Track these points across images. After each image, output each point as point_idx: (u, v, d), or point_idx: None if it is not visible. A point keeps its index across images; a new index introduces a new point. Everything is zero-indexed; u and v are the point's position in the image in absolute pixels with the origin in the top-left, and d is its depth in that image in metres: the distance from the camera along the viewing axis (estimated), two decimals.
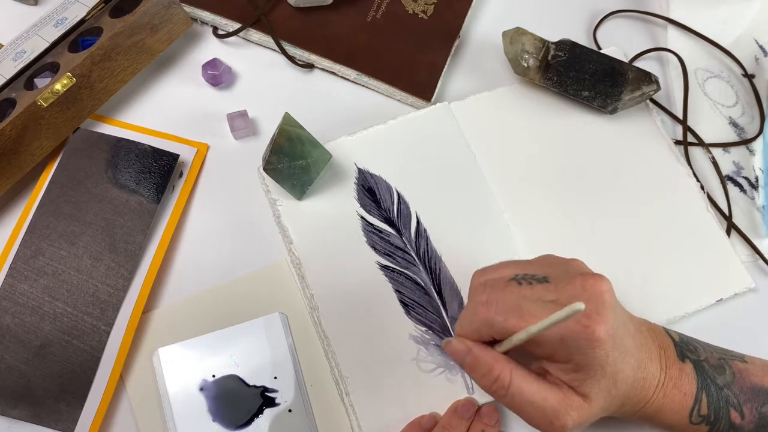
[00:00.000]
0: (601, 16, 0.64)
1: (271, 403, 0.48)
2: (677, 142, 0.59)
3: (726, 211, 0.57)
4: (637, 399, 0.43)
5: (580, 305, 0.36)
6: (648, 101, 0.60)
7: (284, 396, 0.48)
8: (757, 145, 0.60)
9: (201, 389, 0.47)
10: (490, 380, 0.41)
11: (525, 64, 0.57)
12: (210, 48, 0.60)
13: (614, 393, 0.41)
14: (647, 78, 0.56)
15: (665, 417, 0.43)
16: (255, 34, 0.59)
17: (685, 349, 0.45)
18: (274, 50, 0.59)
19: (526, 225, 0.54)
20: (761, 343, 0.52)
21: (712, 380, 0.44)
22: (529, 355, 0.43)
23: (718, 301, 0.53)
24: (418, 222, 0.53)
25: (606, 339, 0.39)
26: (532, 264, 0.44)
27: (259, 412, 0.47)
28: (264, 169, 0.51)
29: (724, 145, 0.60)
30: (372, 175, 0.54)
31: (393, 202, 0.54)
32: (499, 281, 0.43)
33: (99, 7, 0.55)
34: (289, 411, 0.47)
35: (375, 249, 0.52)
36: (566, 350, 0.40)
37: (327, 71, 0.60)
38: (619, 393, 0.41)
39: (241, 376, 0.48)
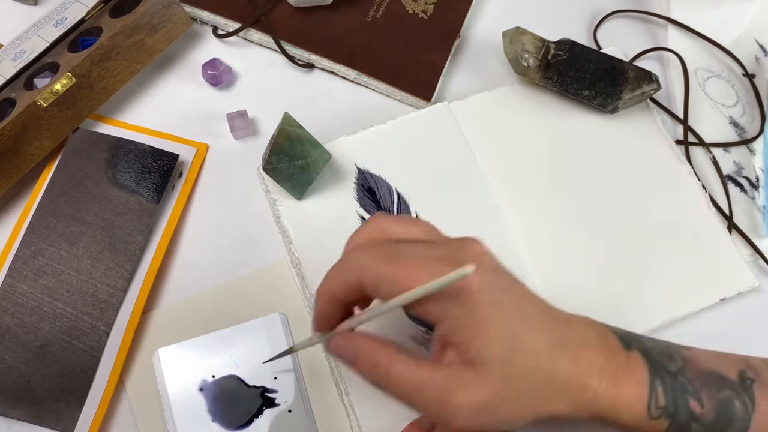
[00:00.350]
0: (601, 16, 0.64)
1: (271, 403, 0.47)
2: (678, 142, 0.59)
3: (726, 211, 0.57)
4: (574, 386, 0.37)
5: (470, 268, 0.33)
6: (648, 101, 0.60)
7: (284, 396, 0.48)
8: (758, 144, 0.60)
9: (201, 389, 0.47)
10: (370, 368, 0.37)
11: (525, 64, 0.57)
12: (210, 48, 0.60)
13: (518, 361, 0.36)
14: (648, 77, 0.56)
15: (621, 413, 0.39)
16: (255, 34, 0.59)
17: (629, 338, 0.41)
18: (274, 50, 0.59)
19: (525, 225, 0.54)
20: (764, 343, 0.52)
21: (664, 367, 0.40)
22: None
23: (721, 300, 0.53)
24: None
25: (480, 292, 0.35)
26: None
27: (259, 412, 0.47)
28: (264, 169, 0.51)
29: (725, 145, 0.60)
30: (372, 175, 0.54)
31: (393, 202, 0.54)
32: (375, 240, 0.39)
33: (99, 7, 0.55)
34: (289, 411, 0.47)
35: None
36: (439, 308, 0.36)
37: (327, 71, 0.59)
38: (526, 362, 0.36)
39: (241, 376, 0.48)
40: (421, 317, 0.37)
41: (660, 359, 0.41)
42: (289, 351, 0.44)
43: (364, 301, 0.40)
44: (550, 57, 0.56)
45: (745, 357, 0.45)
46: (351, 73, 0.58)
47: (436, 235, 0.40)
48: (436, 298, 0.35)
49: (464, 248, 0.37)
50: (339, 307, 0.39)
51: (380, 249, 0.38)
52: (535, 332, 0.37)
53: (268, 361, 0.47)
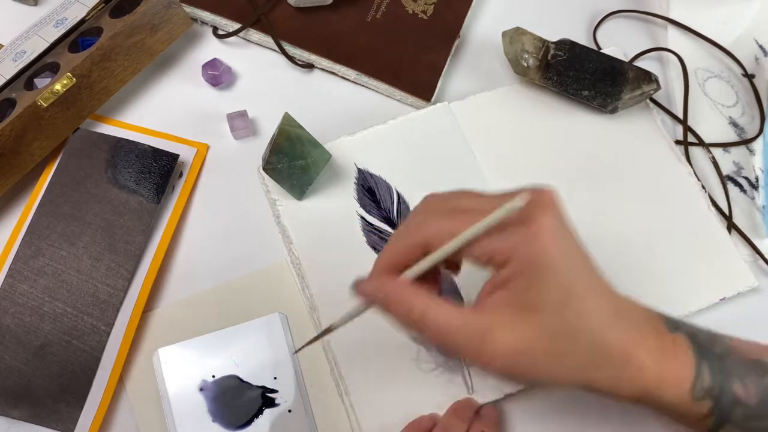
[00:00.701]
0: (601, 16, 0.64)
1: (271, 403, 0.48)
2: (677, 142, 0.59)
3: (726, 211, 0.57)
4: (620, 357, 0.36)
5: (522, 200, 0.33)
6: (648, 101, 0.60)
7: (284, 396, 0.48)
8: (757, 145, 0.60)
9: (201, 389, 0.47)
10: (403, 314, 0.37)
11: (525, 64, 0.57)
12: (210, 48, 0.60)
13: (571, 314, 0.35)
14: (647, 77, 0.56)
15: (664, 392, 0.38)
16: (255, 34, 0.59)
17: (674, 321, 0.41)
18: (274, 50, 0.59)
19: None
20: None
21: (710, 350, 0.39)
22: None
23: (721, 300, 0.53)
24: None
25: (551, 231, 0.34)
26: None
27: (259, 412, 0.47)
28: (264, 169, 0.51)
29: (725, 145, 0.60)
30: (372, 175, 0.54)
31: (393, 202, 0.54)
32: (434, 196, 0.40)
33: (99, 7, 0.55)
34: (289, 411, 0.47)
35: (375, 249, 0.52)
36: (505, 246, 0.35)
37: (327, 71, 0.60)
38: (579, 319, 0.35)
39: (241, 376, 0.48)
40: (483, 260, 0.36)
41: (705, 342, 0.40)
42: (328, 330, 0.42)
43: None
44: (549, 57, 0.56)
45: None
46: (351, 73, 0.58)
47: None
48: (504, 236, 0.35)
49: (531, 195, 0.35)
50: (394, 275, 0.38)
51: (441, 207, 0.38)
52: (594, 294, 0.36)
53: (302, 348, 0.45)
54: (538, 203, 0.35)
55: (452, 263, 0.41)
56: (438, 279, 0.41)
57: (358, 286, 0.39)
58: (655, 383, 0.37)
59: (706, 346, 0.40)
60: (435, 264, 0.37)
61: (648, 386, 0.37)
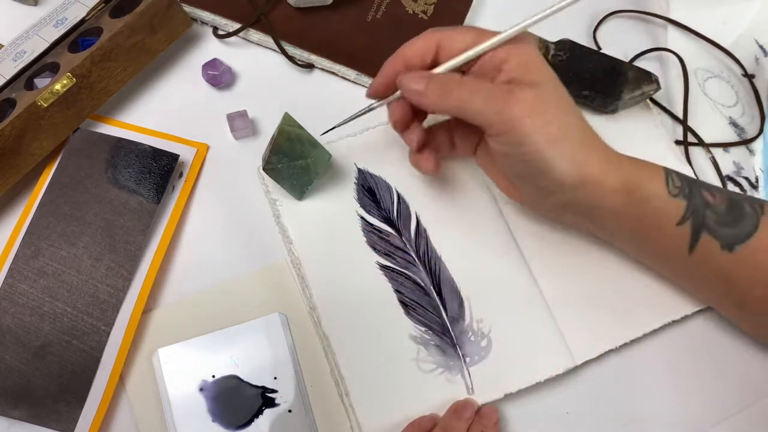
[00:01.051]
0: (601, 16, 0.64)
1: (271, 403, 0.48)
2: (677, 142, 0.59)
3: None
4: (601, 147, 0.45)
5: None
6: (648, 101, 0.60)
7: (284, 396, 0.48)
8: (757, 145, 0.60)
9: (201, 389, 0.47)
10: (442, 82, 0.44)
11: None
12: (210, 48, 0.60)
13: (563, 95, 0.44)
14: (647, 77, 0.56)
15: (645, 181, 0.45)
16: (255, 34, 0.59)
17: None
18: (274, 50, 0.59)
19: (525, 224, 0.54)
20: (763, 344, 0.52)
21: (675, 171, 0.47)
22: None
23: None
24: (417, 222, 0.53)
25: (536, 52, 0.44)
26: None
27: (259, 412, 0.47)
28: (264, 169, 0.51)
29: (725, 145, 0.60)
30: (372, 175, 0.54)
31: (393, 202, 0.54)
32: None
33: (99, 7, 0.55)
34: (289, 411, 0.47)
35: (375, 249, 0.52)
36: (504, 50, 0.44)
37: (327, 71, 0.60)
38: (569, 106, 0.44)
39: (241, 376, 0.48)
40: (487, 60, 0.44)
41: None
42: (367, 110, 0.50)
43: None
44: (549, 57, 0.56)
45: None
46: (351, 73, 0.58)
47: None
48: (503, 46, 0.44)
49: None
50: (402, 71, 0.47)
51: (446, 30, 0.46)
52: (571, 104, 0.45)
53: (329, 130, 0.51)
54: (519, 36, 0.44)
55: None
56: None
57: (402, 78, 0.46)
58: (635, 172, 0.45)
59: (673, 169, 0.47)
60: (461, 64, 0.45)
61: (629, 174, 0.45)
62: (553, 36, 0.58)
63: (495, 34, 0.44)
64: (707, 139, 0.60)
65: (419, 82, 0.45)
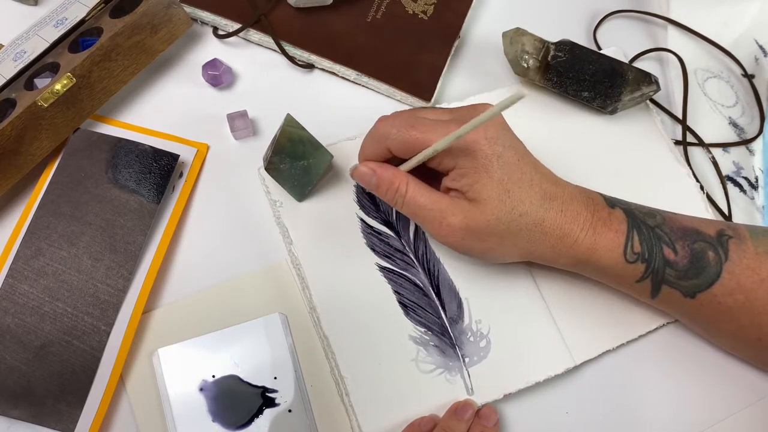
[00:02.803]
0: (601, 16, 0.64)
1: (271, 403, 0.48)
2: (677, 142, 0.59)
3: (726, 212, 0.57)
4: (557, 232, 0.46)
5: (472, 123, 0.42)
6: (648, 101, 0.60)
7: (284, 396, 0.48)
8: (757, 145, 0.60)
9: (201, 389, 0.47)
10: (392, 192, 0.47)
11: (525, 65, 0.57)
12: (210, 48, 0.60)
13: (509, 204, 0.44)
14: (647, 79, 0.56)
15: (600, 257, 0.46)
16: (255, 35, 0.59)
17: (614, 200, 0.49)
18: (274, 50, 0.59)
19: None
20: None
21: (642, 222, 0.47)
22: (431, 177, 0.48)
23: None
24: (417, 224, 0.53)
25: (486, 147, 0.44)
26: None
27: (259, 412, 0.47)
28: (265, 169, 0.51)
29: (724, 145, 0.60)
30: None
31: None
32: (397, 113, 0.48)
33: (99, 8, 0.55)
34: (289, 411, 0.48)
35: (374, 251, 0.52)
36: (451, 159, 0.45)
37: (327, 71, 0.60)
38: (516, 207, 0.44)
39: (241, 376, 0.48)
40: (436, 164, 0.46)
41: (640, 215, 0.48)
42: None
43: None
44: (549, 58, 0.56)
45: (731, 222, 0.51)
46: (351, 73, 0.59)
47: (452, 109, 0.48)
48: (449, 152, 0.45)
49: (476, 109, 0.45)
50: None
51: (400, 118, 0.47)
52: (529, 185, 0.45)
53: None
54: (475, 115, 0.43)
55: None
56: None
57: (355, 172, 0.48)
58: (589, 252, 0.46)
59: (640, 218, 0.47)
60: (415, 166, 0.47)
61: (582, 255, 0.46)
62: (553, 36, 0.58)
63: (439, 124, 0.45)
64: (707, 140, 0.60)
65: (369, 184, 0.48)
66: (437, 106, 0.58)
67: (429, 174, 0.48)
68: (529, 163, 0.46)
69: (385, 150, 0.47)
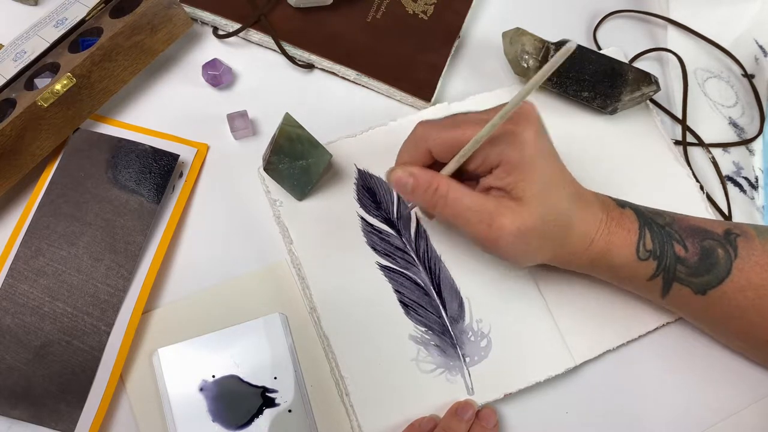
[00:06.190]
0: (601, 17, 0.64)
1: (271, 403, 0.48)
2: (677, 143, 0.59)
3: (726, 212, 0.57)
4: (581, 233, 0.46)
5: (512, 105, 0.41)
6: (648, 101, 0.60)
7: (284, 396, 0.48)
8: (757, 145, 0.60)
9: (201, 389, 0.47)
10: (431, 192, 0.44)
11: (525, 65, 0.57)
12: (210, 48, 0.60)
13: (549, 204, 0.44)
14: (647, 79, 0.57)
15: (613, 255, 0.46)
16: (255, 35, 0.59)
17: (623, 202, 0.49)
18: (274, 50, 0.59)
19: None
20: None
21: (653, 220, 0.48)
22: (470, 178, 0.47)
23: None
24: (417, 223, 0.53)
25: (532, 141, 0.43)
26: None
27: (259, 412, 0.47)
28: (264, 169, 0.51)
29: (724, 145, 0.60)
30: (372, 176, 0.54)
31: (393, 203, 0.54)
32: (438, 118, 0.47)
33: (99, 8, 0.55)
34: (289, 411, 0.47)
35: (375, 249, 0.52)
36: (497, 153, 0.43)
37: (327, 71, 0.60)
38: (555, 206, 0.44)
39: (241, 376, 0.48)
40: (479, 163, 0.44)
41: (649, 215, 0.48)
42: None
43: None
44: (549, 58, 0.56)
45: (736, 222, 0.51)
46: (351, 73, 0.59)
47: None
48: (494, 145, 0.43)
49: (518, 109, 0.43)
50: None
51: (440, 120, 0.46)
52: (564, 184, 0.45)
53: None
54: (521, 115, 0.43)
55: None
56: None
57: (391, 174, 0.46)
58: (603, 252, 0.46)
59: (650, 217, 0.48)
60: (458, 165, 0.45)
61: (596, 255, 0.46)
62: (553, 36, 0.58)
63: (482, 121, 0.43)
64: (707, 140, 0.60)
65: (405, 188, 0.46)
66: (443, 104, 0.58)
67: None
68: (560, 162, 0.46)
69: (425, 153, 0.46)
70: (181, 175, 0.54)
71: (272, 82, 0.59)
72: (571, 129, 0.58)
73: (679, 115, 0.60)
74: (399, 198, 0.54)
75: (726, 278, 0.46)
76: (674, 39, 0.63)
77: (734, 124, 0.61)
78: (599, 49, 0.62)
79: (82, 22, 0.55)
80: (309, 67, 0.59)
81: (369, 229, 0.53)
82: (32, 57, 0.53)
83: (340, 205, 0.53)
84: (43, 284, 0.49)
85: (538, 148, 0.43)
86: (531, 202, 0.43)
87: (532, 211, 0.43)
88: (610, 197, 0.49)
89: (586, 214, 0.46)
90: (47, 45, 0.54)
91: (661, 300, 0.49)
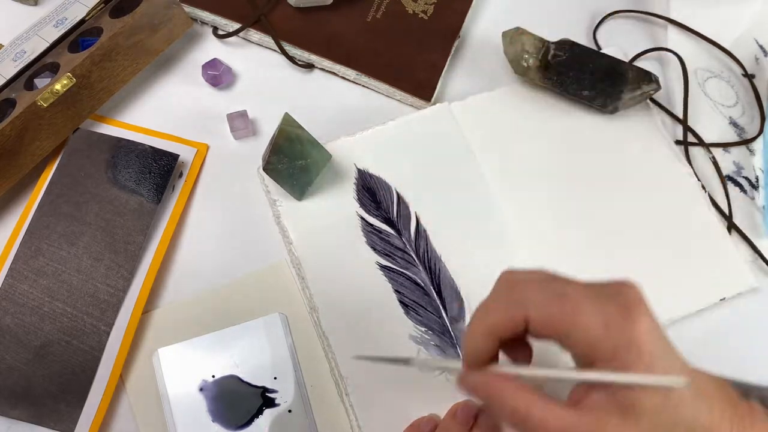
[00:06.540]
0: (601, 16, 0.64)
1: (271, 403, 0.48)
2: (677, 142, 0.59)
3: (726, 211, 0.57)
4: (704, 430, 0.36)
5: (682, 381, 0.33)
6: (648, 101, 0.60)
7: (284, 396, 0.48)
8: (757, 145, 0.60)
9: (201, 389, 0.47)
10: (508, 412, 0.35)
11: (525, 64, 0.57)
12: (210, 48, 0.60)
13: (666, 415, 0.34)
14: (647, 77, 0.56)
15: None
16: (255, 35, 0.59)
17: (744, 387, 0.40)
18: (274, 50, 0.59)
19: (526, 225, 0.54)
20: (763, 343, 0.52)
21: None
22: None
23: (720, 300, 0.53)
24: (417, 222, 0.53)
25: (647, 341, 0.34)
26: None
27: (259, 412, 0.47)
28: (264, 170, 0.51)
29: (725, 145, 0.60)
30: (372, 176, 0.54)
31: (393, 203, 0.54)
32: (533, 273, 0.38)
33: (99, 8, 0.55)
34: (289, 411, 0.47)
35: (375, 249, 0.52)
36: (611, 349, 0.35)
37: (327, 71, 0.60)
38: (672, 417, 0.35)
39: (241, 376, 0.48)
40: (579, 353, 0.36)
41: None
42: (404, 361, 0.41)
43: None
44: (549, 57, 0.56)
45: None
46: (351, 73, 0.58)
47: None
48: (603, 335, 0.34)
49: (624, 290, 0.36)
50: (496, 344, 0.37)
51: (550, 284, 0.37)
52: (681, 375, 0.35)
53: (367, 358, 0.44)
54: (630, 301, 0.35)
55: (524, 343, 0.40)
56: (528, 345, 0.40)
57: (462, 380, 0.38)
58: None
59: None
60: (544, 380, 0.37)
61: None
62: (553, 36, 0.58)
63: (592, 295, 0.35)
64: (707, 139, 0.60)
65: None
66: (443, 104, 0.58)
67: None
68: (675, 347, 0.37)
69: (521, 320, 0.36)
70: (180, 175, 0.54)
71: (272, 82, 0.59)
72: (571, 128, 0.58)
73: (680, 115, 0.60)
74: (398, 198, 0.54)
75: None
76: (674, 39, 0.63)
77: (734, 124, 0.61)
78: (599, 48, 0.62)
79: (81, 22, 0.55)
80: (309, 67, 0.59)
81: (369, 229, 0.53)
82: (32, 57, 0.53)
83: (340, 204, 0.53)
84: (42, 284, 0.49)
85: (653, 345, 0.35)
86: (643, 414, 0.34)
87: (642, 425, 0.34)
88: (727, 381, 0.39)
89: (713, 412, 0.36)
90: (47, 45, 0.54)
91: None
